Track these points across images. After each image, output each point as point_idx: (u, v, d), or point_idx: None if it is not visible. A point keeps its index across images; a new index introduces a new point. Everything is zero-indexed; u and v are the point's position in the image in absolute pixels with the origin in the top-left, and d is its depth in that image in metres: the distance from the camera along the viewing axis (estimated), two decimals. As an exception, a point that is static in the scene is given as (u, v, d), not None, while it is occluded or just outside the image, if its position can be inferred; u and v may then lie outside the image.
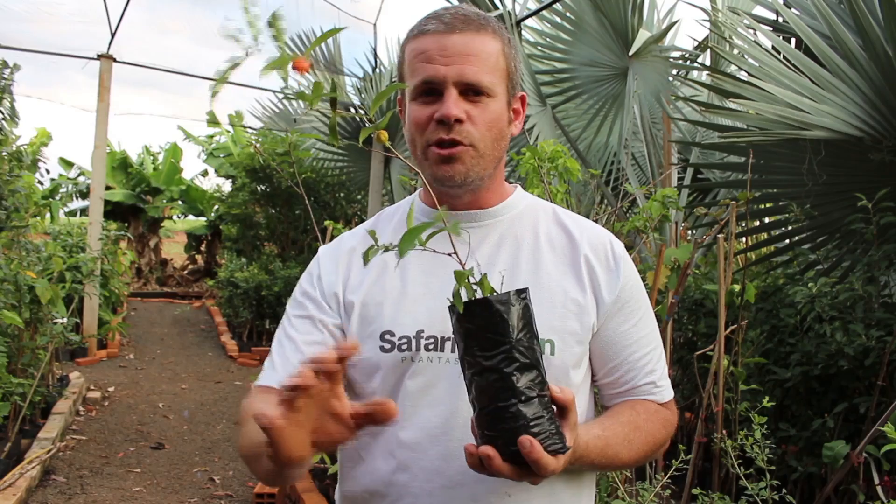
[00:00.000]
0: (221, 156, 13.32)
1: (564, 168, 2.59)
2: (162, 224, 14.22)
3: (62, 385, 5.56)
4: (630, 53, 4.66)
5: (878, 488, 2.39)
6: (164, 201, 13.71)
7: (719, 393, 2.58)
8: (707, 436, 2.68)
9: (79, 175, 14.08)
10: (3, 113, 5.74)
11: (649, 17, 4.76)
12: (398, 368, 1.03)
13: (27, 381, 4.28)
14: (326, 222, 3.96)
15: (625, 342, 1.08)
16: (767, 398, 2.38)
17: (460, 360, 0.86)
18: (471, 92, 1.02)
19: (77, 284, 5.48)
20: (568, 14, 4.86)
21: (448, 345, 1.02)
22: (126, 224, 13.22)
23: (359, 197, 8.99)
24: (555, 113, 4.98)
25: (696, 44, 5.33)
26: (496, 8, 4.91)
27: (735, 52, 3.93)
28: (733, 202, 2.67)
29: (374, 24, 8.34)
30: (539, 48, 5.41)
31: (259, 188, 9.05)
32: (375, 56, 7.81)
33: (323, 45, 6.81)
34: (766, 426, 2.30)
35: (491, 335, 0.82)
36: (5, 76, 5.63)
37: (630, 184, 3.87)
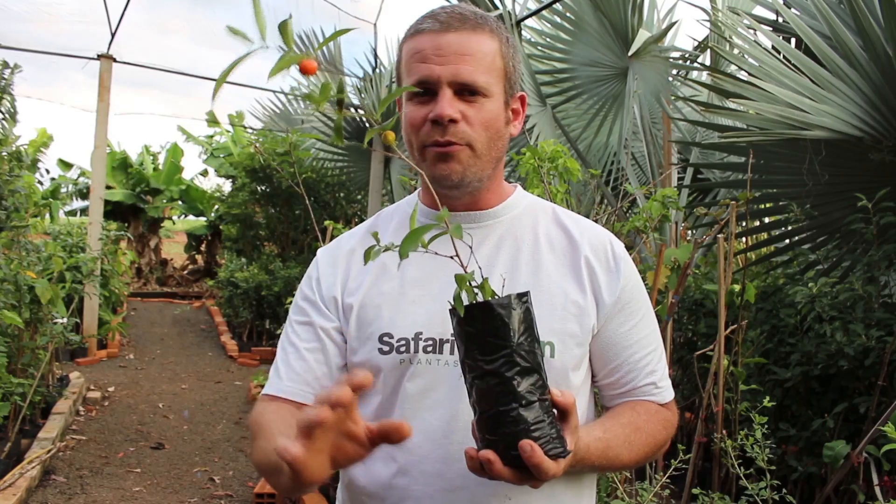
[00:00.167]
0: (221, 156, 13.32)
1: (564, 168, 2.59)
2: (162, 224, 14.21)
3: (62, 385, 5.56)
4: (630, 53, 4.65)
5: (878, 488, 2.39)
6: (164, 201, 13.70)
7: (719, 393, 2.58)
8: (707, 436, 2.68)
9: (79, 175, 14.07)
10: (2, 113, 5.73)
11: (649, 17, 4.76)
12: (397, 370, 1.03)
13: (27, 381, 4.27)
14: (326, 222, 3.97)
15: (625, 343, 1.07)
16: (767, 398, 2.37)
17: (461, 364, 0.86)
18: (466, 92, 1.01)
19: (77, 284, 5.47)
20: (568, 14, 4.85)
21: (447, 347, 1.01)
22: (126, 224, 13.20)
23: (359, 197, 8.98)
24: (555, 113, 4.98)
25: (696, 44, 5.33)
26: (496, 8, 4.91)
27: (735, 52, 3.92)
28: (733, 202, 2.66)
29: (375, 24, 8.34)
30: (539, 48, 5.41)
31: (259, 188, 9.05)
32: (375, 56, 7.82)
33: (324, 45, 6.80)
34: (766, 426, 2.30)
35: (492, 339, 0.82)
36: (5, 76, 5.63)
37: (630, 184, 3.87)
